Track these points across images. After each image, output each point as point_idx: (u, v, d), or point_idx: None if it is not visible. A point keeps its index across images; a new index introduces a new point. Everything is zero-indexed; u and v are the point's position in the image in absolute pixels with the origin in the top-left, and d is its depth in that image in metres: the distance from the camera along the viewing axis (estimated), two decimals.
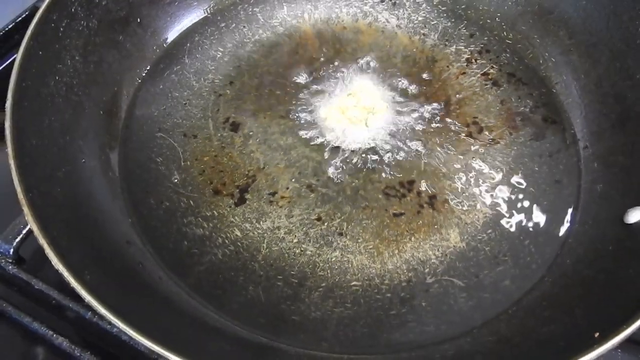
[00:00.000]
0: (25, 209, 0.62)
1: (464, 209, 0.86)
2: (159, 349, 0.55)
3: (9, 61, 1.03)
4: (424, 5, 1.11)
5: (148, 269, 0.77)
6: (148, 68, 1.01)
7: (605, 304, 0.69)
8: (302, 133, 0.94)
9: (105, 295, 0.60)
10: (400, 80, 1.00)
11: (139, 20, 1.00)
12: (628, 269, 0.72)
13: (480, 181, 0.89)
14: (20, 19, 1.04)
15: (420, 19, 1.09)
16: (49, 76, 0.82)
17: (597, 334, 0.60)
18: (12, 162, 0.66)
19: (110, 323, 0.58)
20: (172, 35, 1.05)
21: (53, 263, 0.59)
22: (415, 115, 0.96)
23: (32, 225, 0.60)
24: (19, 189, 0.64)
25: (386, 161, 0.91)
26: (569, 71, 0.99)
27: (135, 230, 0.82)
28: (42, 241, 0.59)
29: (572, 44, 1.00)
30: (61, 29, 0.84)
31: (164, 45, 1.04)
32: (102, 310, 0.56)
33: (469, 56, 1.04)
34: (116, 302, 0.61)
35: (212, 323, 0.74)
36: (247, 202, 0.87)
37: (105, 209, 0.81)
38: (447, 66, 1.03)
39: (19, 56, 0.75)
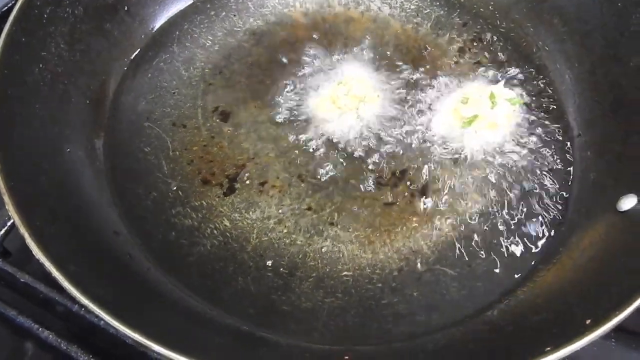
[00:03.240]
0: (6, 198, 0.60)
1: (456, 197, 0.85)
2: (145, 340, 0.54)
3: None
4: None
5: (136, 260, 0.76)
6: (136, 57, 0.99)
7: (597, 291, 0.68)
8: (292, 122, 0.92)
9: (90, 286, 0.59)
10: (392, 69, 0.98)
11: (126, 7, 0.99)
12: (620, 256, 0.72)
13: (473, 169, 0.88)
14: (6, 7, 1.02)
15: (412, 7, 1.08)
16: (33, 64, 0.81)
17: (588, 321, 0.59)
18: None
19: (97, 316, 0.57)
20: (160, 23, 1.03)
21: (34, 253, 0.57)
22: (407, 104, 0.94)
23: (12, 214, 0.59)
24: None
25: (378, 150, 0.89)
26: (562, 59, 0.98)
27: (122, 220, 0.81)
28: (23, 231, 0.58)
29: (565, 32, 0.99)
30: (45, 16, 0.83)
31: (153, 33, 1.02)
32: (85, 301, 0.55)
33: (461, 45, 1.03)
34: (102, 293, 0.60)
35: (201, 314, 0.73)
36: (237, 191, 0.86)
37: (91, 199, 0.79)
38: (440, 55, 1.01)
39: (0, 43, 0.74)
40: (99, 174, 0.84)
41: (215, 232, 0.82)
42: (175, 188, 0.85)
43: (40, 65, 0.82)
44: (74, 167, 0.81)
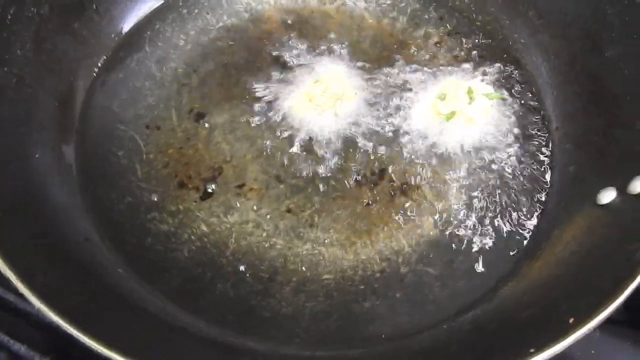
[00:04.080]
0: None
1: (437, 195, 0.84)
2: (117, 356, 0.51)
3: None
4: None
5: (109, 268, 0.74)
6: (106, 57, 0.96)
7: (580, 286, 0.68)
8: (269, 122, 0.90)
9: (59, 298, 0.56)
10: (369, 66, 0.97)
11: (95, 6, 0.95)
12: (602, 250, 0.71)
13: (453, 166, 0.87)
14: None
15: (388, 2, 1.06)
16: None
17: (571, 320, 0.59)
18: None
19: None
20: (131, 22, 1.00)
21: None
22: (385, 101, 0.93)
23: None
24: None
25: (356, 149, 0.88)
26: (539, 52, 0.98)
27: (94, 227, 0.78)
28: None
29: (541, 24, 0.98)
30: (9, 16, 0.80)
31: (123, 33, 0.99)
32: (54, 317, 0.53)
33: (438, 39, 1.02)
34: (72, 305, 0.58)
35: (178, 322, 0.72)
36: (214, 195, 0.84)
37: (61, 205, 0.77)
38: (417, 50, 1.00)
39: None
40: (69, 179, 0.82)
41: (192, 237, 0.80)
42: (149, 192, 0.83)
43: (5, 68, 0.79)
44: (43, 173, 0.78)
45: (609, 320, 0.60)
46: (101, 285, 0.71)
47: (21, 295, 0.70)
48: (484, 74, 0.97)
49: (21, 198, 0.71)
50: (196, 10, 1.04)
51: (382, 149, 0.88)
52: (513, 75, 0.97)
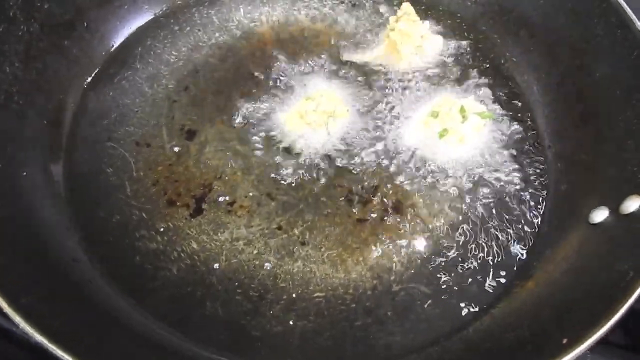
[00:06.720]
0: None
1: (430, 213, 0.84)
2: None
3: None
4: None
5: (97, 288, 0.73)
6: (96, 74, 0.96)
7: (573, 306, 0.68)
8: (260, 139, 0.90)
9: (44, 318, 0.55)
10: (361, 83, 0.97)
11: (85, 24, 0.95)
12: (594, 269, 0.71)
13: (445, 184, 0.87)
14: None
15: (380, 20, 1.07)
16: None
17: (565, 340, 0.58)
18: None
19: None
20: (121, 39, 1.00)
21: None
22: (377, 118, 0.93)
23: None
24: None
25: (348, 166, 0.88)
26: (530, 70, 0.99)
27: (82, 246, 0.77)
28: None
29: (532, 43, 0.99)
30: None
31: (113, 50, 0.99)
32: (38, 337, 0.51)
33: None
34: (59, 326, 0.57)
35: (167, 342, 0.70)
36: (204, 212, 0.83)
37: (49, 225, 0.76)
38: (409, 68, 1.00)
39: None
40: (57, 197, 0.81)
41: (182, 255, 0.79)
42: (139, 210, 0.82)
43: None
44: (30, 191, 0.77)
45: (602, 341, 0.60)
46: (88, 304, 0.69)
47: (5, 315, 0.70)
48: (476, 92, 0.97)
49: (7, 216, 0.70)
50: (188, 27, 1.04)
51: (374, 166, 0.88)
52: (505, 94, 0.98)
